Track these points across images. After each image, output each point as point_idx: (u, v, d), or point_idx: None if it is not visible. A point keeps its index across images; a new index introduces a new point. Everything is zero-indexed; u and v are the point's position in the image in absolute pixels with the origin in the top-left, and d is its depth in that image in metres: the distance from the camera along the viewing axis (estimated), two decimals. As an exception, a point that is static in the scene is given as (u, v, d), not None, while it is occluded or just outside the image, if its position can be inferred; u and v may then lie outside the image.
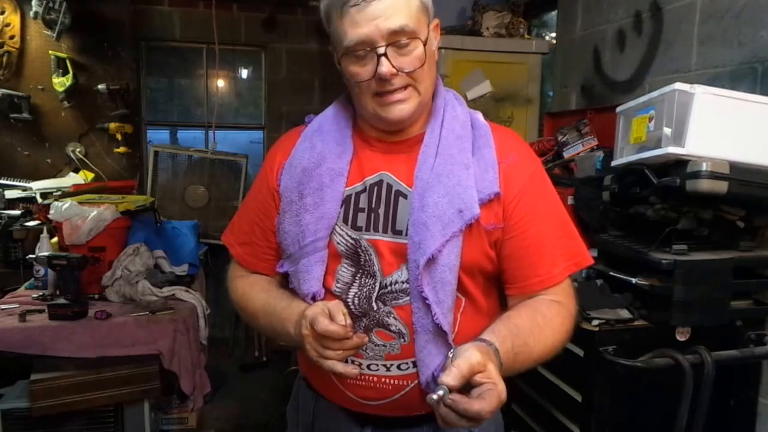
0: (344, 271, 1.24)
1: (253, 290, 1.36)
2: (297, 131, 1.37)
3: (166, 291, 2.82)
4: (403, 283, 1.20)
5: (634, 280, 1.88)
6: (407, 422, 1.27)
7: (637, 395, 1.87)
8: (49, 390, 2.39)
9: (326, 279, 1.24)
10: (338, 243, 1.23)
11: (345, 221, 1.24)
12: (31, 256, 2.87)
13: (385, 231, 1.22)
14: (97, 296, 2.78)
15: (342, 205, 1.24)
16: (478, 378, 0.96)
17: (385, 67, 1.13)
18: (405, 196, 1.22)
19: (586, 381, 1.89)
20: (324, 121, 1.33)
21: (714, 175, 1.71)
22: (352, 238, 1.23)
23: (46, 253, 2.72)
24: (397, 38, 1.12)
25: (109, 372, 2.46)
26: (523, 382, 2.25)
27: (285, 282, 1.34)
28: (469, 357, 0.97)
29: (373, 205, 1.23)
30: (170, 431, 3.01)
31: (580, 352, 1.88)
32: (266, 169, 1.37)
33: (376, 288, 1.21)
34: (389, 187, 1.24)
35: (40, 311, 2.56)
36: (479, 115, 1.32)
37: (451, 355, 1.01)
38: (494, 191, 1.19)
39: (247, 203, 1.42)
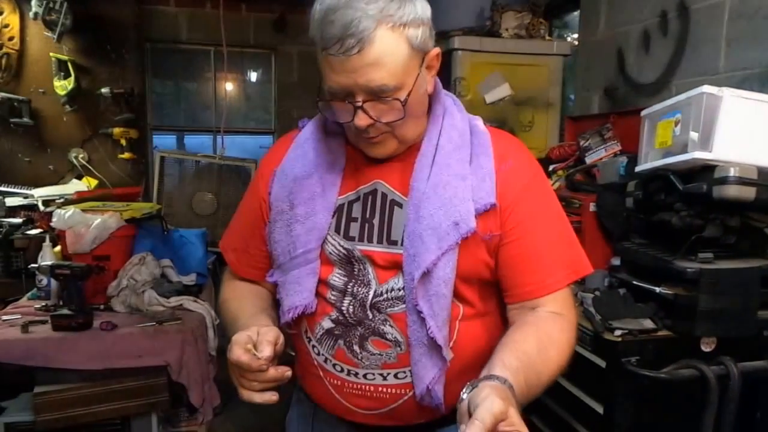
0: (337, 279, 1.26)
1: (232, 298, 1.39)
2: (289, 137, 1.39)
3: (174, 301, 2.85)
4: (399, 290, 1.22)
5: (658, 289, 1.91)
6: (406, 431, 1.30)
7: (661, 407, 1.88)
8: (53, 403, 2.42)
9: (319, 287, 1.26)
10: (330, 253, 1.26)
11: (337, 231, 1.26)
12: (33, 265, 2.87)
13: (379, 241, 1.24)
14: (102, 306, 2.79)
15: (334, 215, 1.26)
16: (501, 427, 0.91)
17: (362, 120, 1.14)
18: (400, 206, 1.24)
19: (608, 392, 1.92)
20: (316, 129, 1.34)
21: (742, 181, 1.74)
22: (345, 248, 1.25)
23: (48, 263, 2.73)
24: (375, 93, 1.12)
25: (116, 384, 2.49)
26: (544, 394, 2.27)
27: (276, 290, 1.35)
28: (490, 407, 0.90)
29: (367, 215, 1.25)
30: (178, 445, 3.04)
31: (602, 363, 1.91)
32: (258, 176, 1.40)
33: (370, 296, 1.23)
34: (384, 196, 1.25)
35: (43, 322, 2.58)
36: (479, 122, 1.33)
37: (465, 396, 0.96)
38: (490, 202, 1.20)
39: (240, 209, 1.45)
